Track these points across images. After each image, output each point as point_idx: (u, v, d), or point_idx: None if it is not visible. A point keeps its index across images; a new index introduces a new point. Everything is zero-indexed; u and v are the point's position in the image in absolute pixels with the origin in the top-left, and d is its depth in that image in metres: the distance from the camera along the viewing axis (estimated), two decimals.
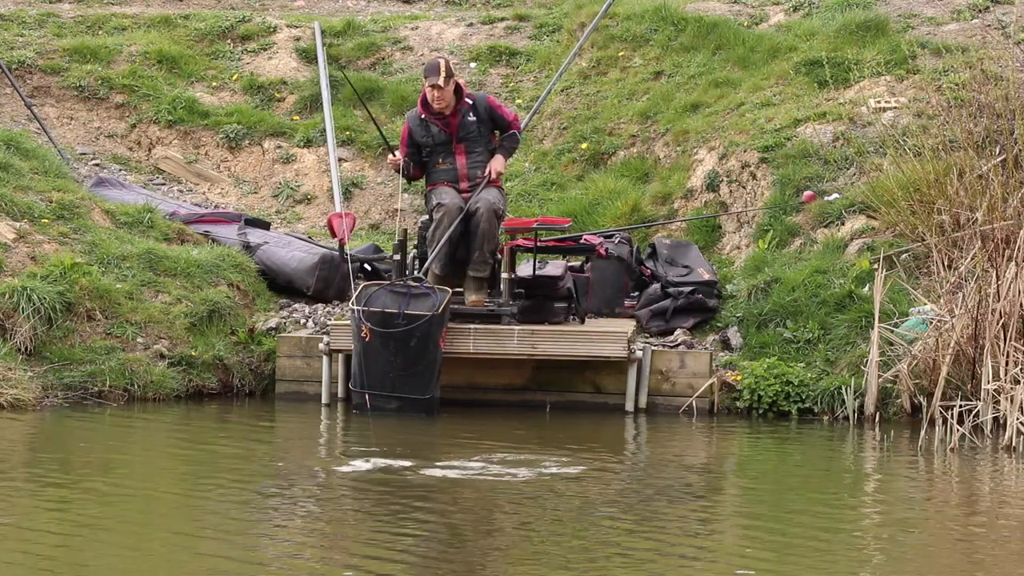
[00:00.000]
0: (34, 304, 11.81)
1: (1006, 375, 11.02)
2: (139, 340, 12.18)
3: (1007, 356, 11.07)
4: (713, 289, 12.82)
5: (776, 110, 14.44)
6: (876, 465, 10.67)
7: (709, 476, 10.20)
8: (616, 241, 13.07)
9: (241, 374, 12.39)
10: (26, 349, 11.81)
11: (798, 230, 13.36)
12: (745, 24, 16.20)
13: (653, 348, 12.17)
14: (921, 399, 11.50)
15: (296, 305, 13.05)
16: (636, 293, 12.99)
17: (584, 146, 15.27)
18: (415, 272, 11.96)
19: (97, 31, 17.14)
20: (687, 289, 12.68)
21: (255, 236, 13.54)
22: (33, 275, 12.08)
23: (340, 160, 15.33)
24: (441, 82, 11.82)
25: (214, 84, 16.45)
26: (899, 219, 12.67)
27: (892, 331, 11.78)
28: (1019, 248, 11.31)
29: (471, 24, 17.30)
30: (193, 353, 12.20)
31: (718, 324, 12.70)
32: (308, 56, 16.74)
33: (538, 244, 12.44)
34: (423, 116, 12.08)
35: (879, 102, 14.01)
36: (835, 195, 13.38)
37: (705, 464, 10.68)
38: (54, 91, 16.20)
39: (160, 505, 8.84)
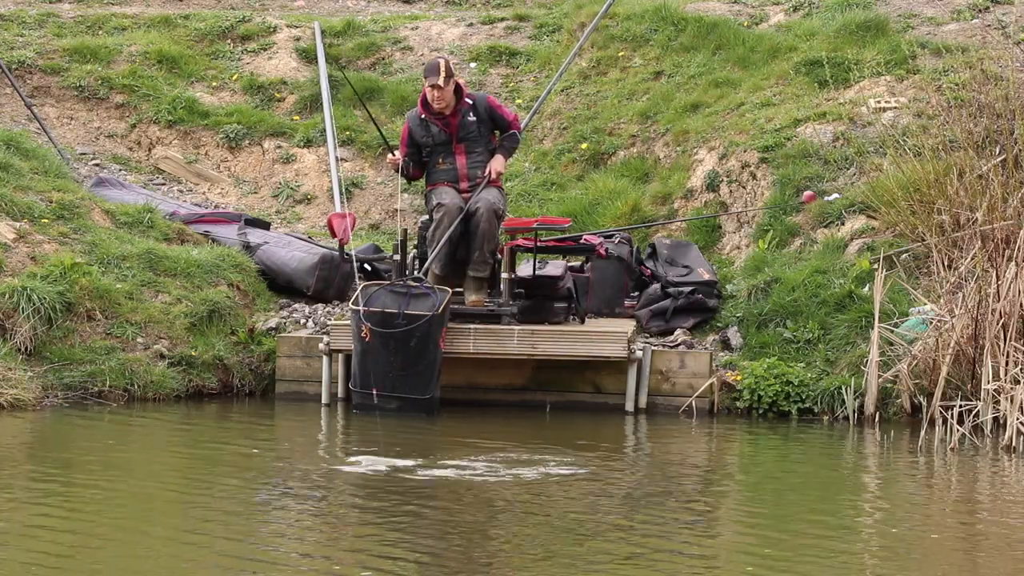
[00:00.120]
0: (34, 304, 11.81)
1: (1006, 375, 11.02)
2: (139, 340, 12.18)
3: (1007, 356, 11.07)
4: (713, 289, 12.82)
5: (776, 110, 14.44)
6: (876, 465, 10.67)
7: (709, 476, 10.20)
8: (616, 241, 13.07)
9: (241, 374, 12.39)
10: (26, 349, 11.81)
11: (798, 230, 13.36)
12: (745, 24, 16.20)
13: (653, 348, 12.17)
14: (921, 399, 11.50)
15: (296, 305, 13.05)
16: (636, 293, 12.99)
17: (584, 146, 15.27)
18: (415, 272, 11.96)
19: (97, 31, 17.14)
20: (687, 289, 12.68)
21: (255, 236, 13.54)
22: (33, 275, 12.08)
23: (340, 160, 15.33)
24: (441, 82, 11.82)
25: (214, 84, 16.45)
26: (899, 219, 12.67)
27: (892, 331, 11.78)
28: (1019, 248, 11.31)
29: (471, 24, 17.31)
30: (193, 353, 12.20)
31: (718, 324, 12.70)
32: (308, 56, 16.74)
33: (538, 244, 12.44)
34: (423, 116, 12.08)
35: (879, 102, 14.01)
36: (835, 195, 13.38)
37: (705, 464, 10.68)
38: (54, 91, 16.20)
39: (160, 505, 8.84)
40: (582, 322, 12.36)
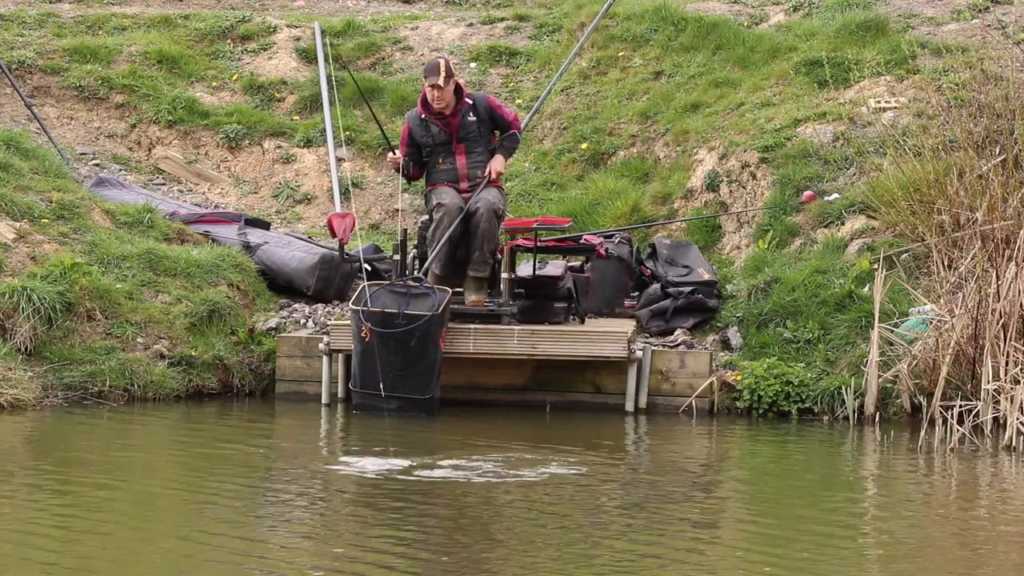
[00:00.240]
0: (34, 304, 11.81)
1: (1006, 375, 11.02)
2: (139, 340, 12.18)
3: (1007, 356, 11.07)
4: (713, 289, 12.82)
5: (776, 110, 14.45)
6: (876, 465, 10.67)
7: (709, 476, 10.20)
8: (616, 241, 13.07)
9: (241, 374, 12.39)
10: (26, 349, 11.81)
11: (798, 230, 13.37)
12: (745, 24, 16.20)
13: (653, 348, 12.17)
14: (921, 399, 11.50)
15: (296, 305, 13.05)
16: (636, 293, 12.99)
17: (584, 146, 15.27)
18: (415, 272, 11.96)
19: (97, 31, 17.14)
20: (687, 289, 12.68)
21: (255, 236, 13.54)
22: (33, 275, 12.08)
23: (340, 160, 15.32)
24: (441, 82, 11.82)
25: (214, 84, 16.45)
26: (899, 219, 12.68)
27: (892, 331, 11.78)
28: (1019, 248, 11.31)
29: (471, 24, 17.30)
30: (193, 353, 12.20)
31: (718, 324, 12.70)
32: (308, 56, 16.74)
33: (538, 244, 12.44)
34: (423, 116, 12.08)
35: (879, 102, 14.01)
36: (835, 195, 13.38)
37: (705, 464, 10.67)
38: (54, 91, 16.20)
39: (160, 505, 8.84)
40: (582, 322, 12.36)
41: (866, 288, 12.20)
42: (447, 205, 11.87)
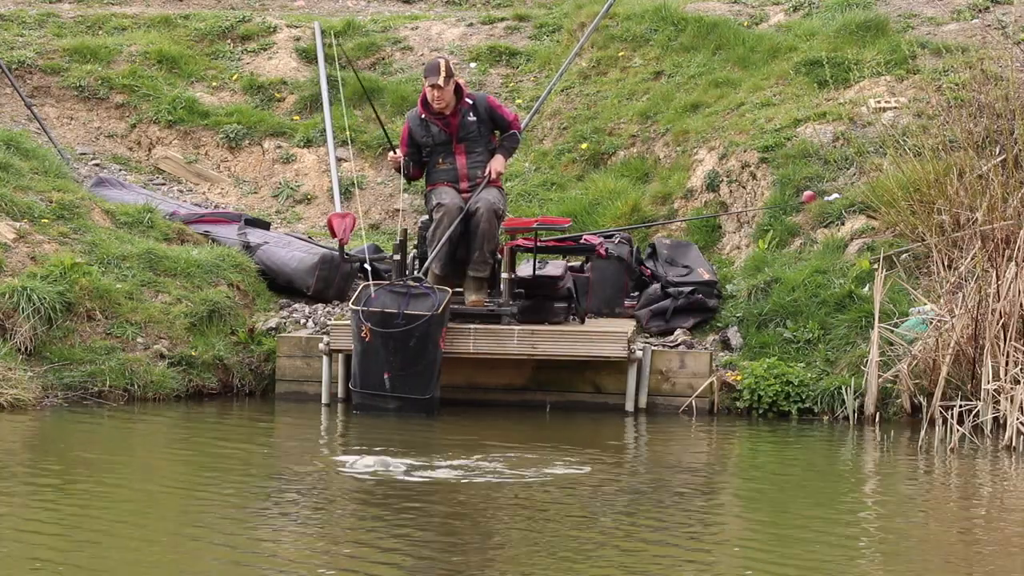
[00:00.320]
0: (34, 304, 11.81)
1: (1006, 375, 11.02)
2: (139, 340, 12.18)
3: (1007, 356, 11.07)
4: (713, 289, 12.82)
5: (776, 110, 14.44)
6: (876, 465, 10.67)
7: (709, 476, 10.20)
8: (616, 241, 13.07)
9: (241, 374, 12.40)
10: (26, 349, 11.81)
11: (798, 230, 13.37)
12: (745, 24, 16.20)
13: (653, 348, 12.17)
14: (921, 399, 11.50)
15: (296, 305, 13.05)
16: (636, 293, 12.99)
17: (584, 146, 15.27)
18: (415, 272, 11.96)
19: (97, 31, 17.14)
20: (687, 289, 12.68)
21: (255, 236, 13.54)
22: (33, 275, 12.08)
23: (340, 160, 15.32)
24: (441, 82, 11.83)
25: (214, 84, 16.45)
26: (899, 219, 12.68)
27: (892, 331, 11.78)
28: (1019, 248, 11.31)
29: (471, 24, 17.30)
30: (193, 353, 12.20)
31: (718, 324, 12.70)
32: (308, 56, 16.73)
33: (538, 244, 12.44)
34: (423, 116, 12.08)
35: (879, 102, 14.01)
36: (835, 195, 13.38)
37: (705, 464, 10.68)
38: (54, 91, 16.20)
39: (160, 505, 8.84)
40: (582, 322, 12.36)
41: (866, 288, 12.20)
42: (447, 205, 11.87)
